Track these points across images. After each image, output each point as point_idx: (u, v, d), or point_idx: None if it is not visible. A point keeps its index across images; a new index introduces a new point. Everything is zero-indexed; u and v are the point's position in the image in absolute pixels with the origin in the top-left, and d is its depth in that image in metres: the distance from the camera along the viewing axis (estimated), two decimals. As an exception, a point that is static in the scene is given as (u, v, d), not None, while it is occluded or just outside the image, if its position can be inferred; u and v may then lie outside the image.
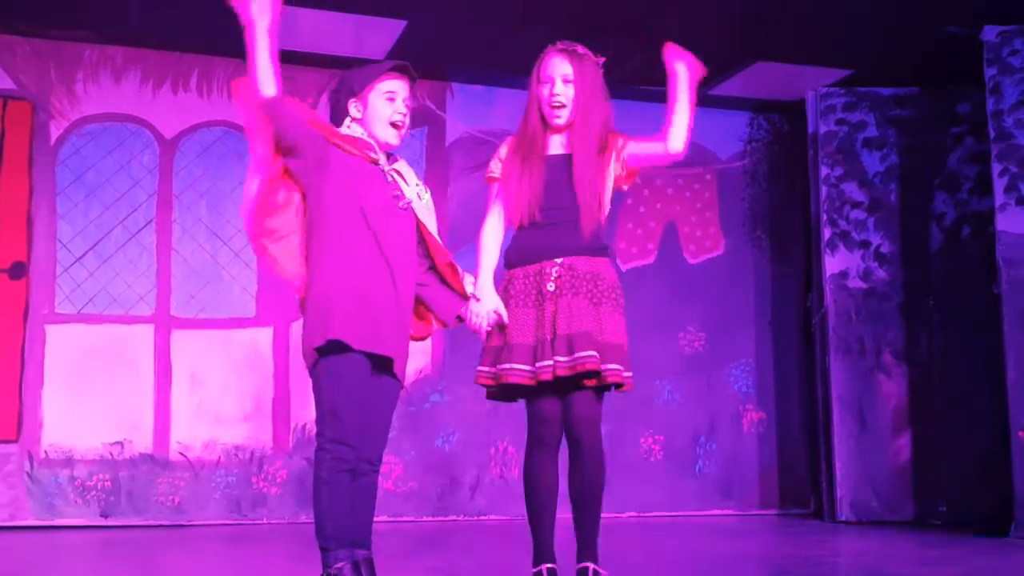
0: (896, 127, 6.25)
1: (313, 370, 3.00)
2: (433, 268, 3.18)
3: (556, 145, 3.25)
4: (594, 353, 3.02)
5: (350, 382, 2.95)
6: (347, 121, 3.11)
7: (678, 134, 3.24)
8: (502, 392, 3.20)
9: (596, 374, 3.05)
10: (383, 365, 3.02)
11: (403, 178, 3.16)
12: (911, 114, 6.23)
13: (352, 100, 3.10)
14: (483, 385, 3.21)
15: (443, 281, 3.19)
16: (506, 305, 3.18)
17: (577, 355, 3.01)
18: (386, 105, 3.09)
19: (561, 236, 3.16)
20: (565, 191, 3.17)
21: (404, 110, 3.11)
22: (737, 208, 6.99)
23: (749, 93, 6.75)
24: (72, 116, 5.89)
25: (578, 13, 5.27)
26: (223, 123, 6.14)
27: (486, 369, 3.18)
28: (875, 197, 6.23)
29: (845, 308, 6.16)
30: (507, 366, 3.09)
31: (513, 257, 3.23)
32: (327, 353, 2.94)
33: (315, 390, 3.00)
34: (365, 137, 3.10)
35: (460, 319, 3.20)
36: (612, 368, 3.07)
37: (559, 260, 3.14)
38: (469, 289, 3.20)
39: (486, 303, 3.16)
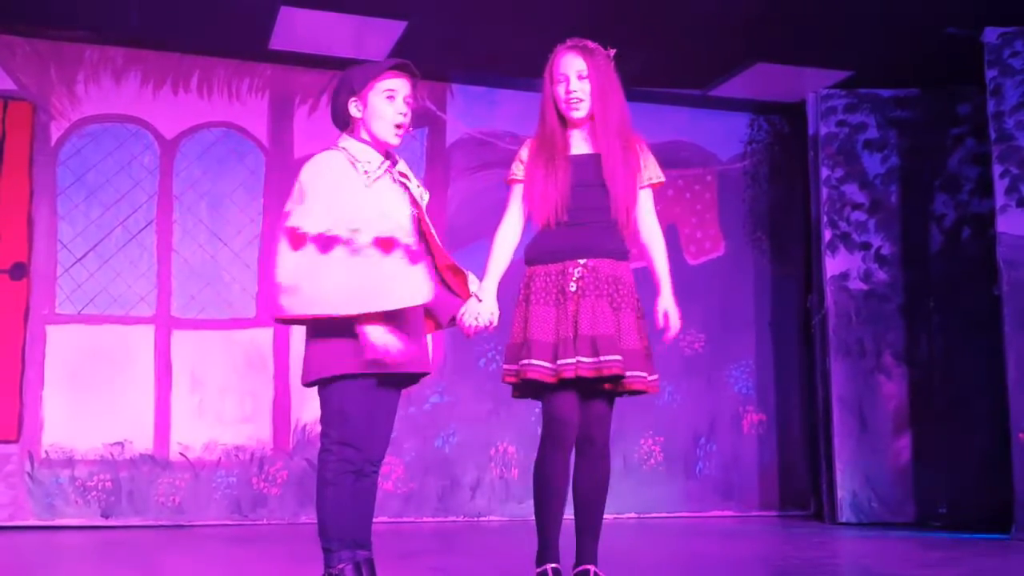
0: (897, 128, 6.25)
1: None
2: (434, 268, 3.17)
3: (579, 144, 3.23)
4: (619, 358, 3.02)
5: (358, 393, 2.95)
6: (343, 142, 3.08)
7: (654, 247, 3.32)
8: (527, 390, 3.19)
9: (619, 379, 3.05)
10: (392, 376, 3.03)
11: (408, 179, 3.15)
12: (912, 115, 6.24)
13: (352, 99, 3.07)
14: (509, 383, 3.20)
15: (443, 282, 3.17)
16: (527, 303, 3.17)
17: (603, 358, 3.02)
18: (386, 104, 3.06)
19: (586, 237, 3.15)
20: (592, 191, 3.17)
21: (404, 109, 3.07)
22: (737, 209, 7.00)
23: (750, 94, 6.75)
24: (72, 117, 5.89)
25: (578, 15, 5.27)
26: (224, 124, 6.15)
27: (510, 367, 3.16)
28: (876, 198, 6.23)
29: (845, 309, 6.16)
30: (527, 362, 3.08)
31: (534, 255, 3.22)
32: (330, 382, 2.95)
33: (321, 392, 3.00)
34: (373, 146, 3.07)
35: (454, 320, 3.18)
36: (635, 375, 3.08)
37: (582, 261, 3.14)
38: (473, 288, 3.19)
39: (485, 306, 3.15)
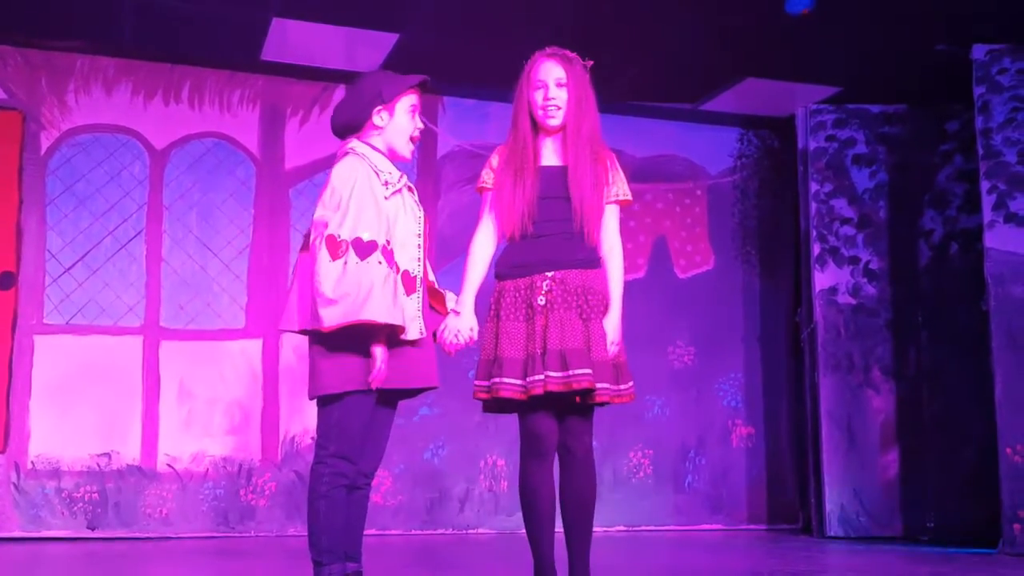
0: (885, 144, 6.28)
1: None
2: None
3: (549, 154, 3.23)
4: (589, 371, 3.00)
5: (360, 407, 2.95)
6: (371, 139, 3.09)
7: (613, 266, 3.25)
8: (496, 405, 3.18)
9: (590, 392, 3.04)
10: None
11: (414, 192, 3.16)
12: (900, 131, 6.27)
13: (379, 108, 3.07)
14: (479, 399, 3.19)
15: None
16: (497, 318, 3.16)
17: (572, 372, 3.00)
18: (409, 119, 3.10)
19: (553, 249, 3.14)
20: (559, 203, 3.16)
21: (421, 125, 3.15)
22: (727, 223, 7.02)
23: (739, 109, 6.78)
24: (63, 126, 5.88)
25: (570, 29, 5.29)
26: (214, 134, 6.14)
27: (481, 383, 3.16)
28: (864, 213, 6.25)
29: (834, 324, 6.18)
30: (498, 380, 3.08)
31: (504, 269, 3.20)
32: (335, 396, 2.95)
33: (322, 405, 2.99)
34: (384, 157, 3.09)
35: (435, 336, 3.18)
36: (603, 388, 3.06)
37: (550, 273, 3.12)
38: (451, 305, 3.19)
39: (464, 321, 3.15)
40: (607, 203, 3.22)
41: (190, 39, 5.74)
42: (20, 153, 5.78)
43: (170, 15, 5.41)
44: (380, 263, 2.85)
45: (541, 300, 3.10)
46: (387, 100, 3.06)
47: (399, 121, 3.07)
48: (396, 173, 3.05)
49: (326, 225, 2.88)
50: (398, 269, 2.93)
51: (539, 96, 3.20)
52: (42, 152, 5.83)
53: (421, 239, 3.07)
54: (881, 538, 5.92)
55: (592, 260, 3.19)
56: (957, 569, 4.49)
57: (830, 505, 6.02)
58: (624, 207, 3.30)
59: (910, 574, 4.41)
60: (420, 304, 3.01)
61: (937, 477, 5.94)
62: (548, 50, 3.26)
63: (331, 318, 2.82)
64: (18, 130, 5.79)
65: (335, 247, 2.84)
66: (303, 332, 3.01)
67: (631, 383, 3.20)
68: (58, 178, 5.85)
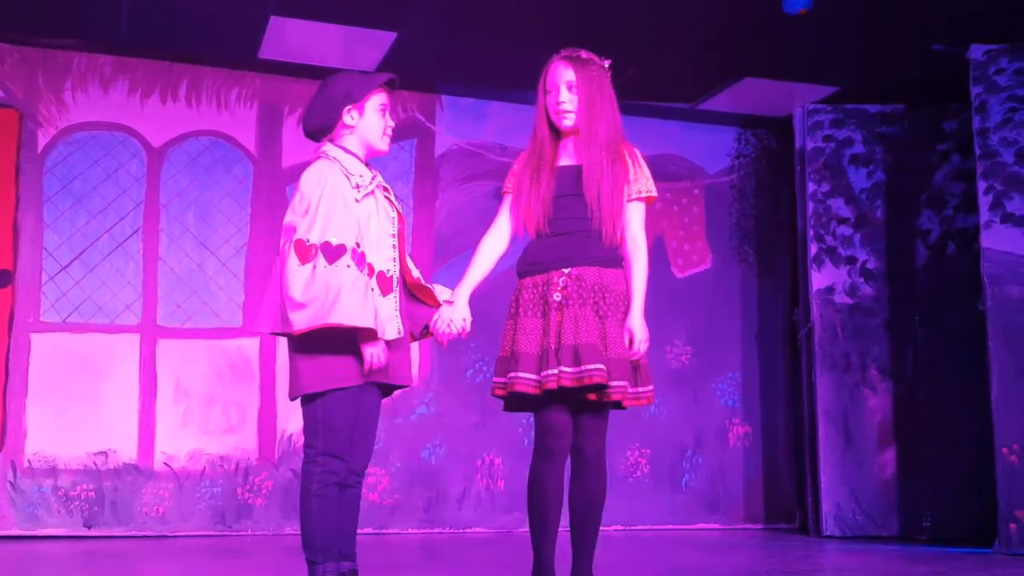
0: (883, 144, 6.29)
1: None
2: (403, 284, 3.19)
3: (567, 155, 3.24)
4: (602, 366, 3.00)
5: (344, 403, 2.96)
6: (345, 137, 3.09)
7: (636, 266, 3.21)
8: (516, 403, 3.19)
9: (602, 388, 3.04)
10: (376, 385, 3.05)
11: (388, 191, 3.17)
12: (897, 131, 6.27)
13: (349, 107, 3.08)
14: (498, 397, 3.19)
15: (411, 295, 3.19)
16: (516, 315, 3.17)
17: (585, 367, 3.00)
18: (380, 118, 3.11)
19: (569, 246, 3.15)
20: (574, 202, 3.17)
21: (393, 123, 3.16)
22: (724, 223, 7.02)
23: (737, 109, 6.78)
24: (60, 124, 5.87)
25: (568, 28, 5.29)
26: (211, 132, 6.14)
27: (499, 380, 3.16)
28: (861, 213, 6.26)
29: (831, 323, 6.18)
30: (514, 375, 3.08)
31: (523, 267, 3.23)
32: (317, 394, 2.96)
33: (306, 403, 3.00)
34: (359, 158, 3.09)
35: (427, 329, 3.19)
36: (618, 385, 3.05)
37: (566, 270, 3.13)
38: (445, 296, 3.21)
39: (457, 311, 3.16)
40: (629, 201, 3.22)
41: (188, 37, 5.73)
42: (17, 151, 5.77)
43: (168, 13, 5.41)
44: (349, 267, 2.86)
45: (557, 296, 3.11)
46: (356, 100, 3.07)
47: (370, 120, 3.09)
48: (368, 175, 3.06)
49: (295, 230, 2.91)
50: (372, 270, 2.95)
51: (552, 100, 3.22)
52: (39, 150, 5.83)
53: (396, 239, 3.07)
54: (877, 537, 5.93)
55: (611, 259, 3.19)
56: (953, 569, 4.50)
57: (827, 504, 6.03)
58: (650, 204, 3.29)
59: (906, 573, 4.41)
60: (397, 304, 3.02)
61: (933, 476, 5.95)
62: (563, 52, 3.27)
63: (300, 322, 2.85)
64: (15, 128, 5.78)
65: (304, 251, 2.87)
66: (274, 334, 3.04)
67: (651, 387, 3.19)
68: (55, 176, 5.84)
